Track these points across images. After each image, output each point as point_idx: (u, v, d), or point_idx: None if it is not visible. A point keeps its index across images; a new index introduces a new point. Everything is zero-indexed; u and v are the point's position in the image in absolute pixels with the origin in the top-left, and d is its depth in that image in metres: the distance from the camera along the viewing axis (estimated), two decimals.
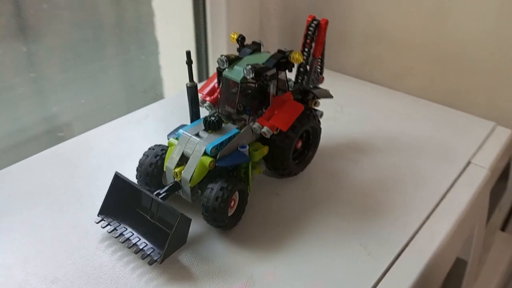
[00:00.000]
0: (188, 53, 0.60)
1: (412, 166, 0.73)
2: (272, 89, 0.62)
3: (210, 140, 0.59)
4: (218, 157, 0.58)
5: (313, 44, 0.71)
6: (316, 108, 0.72)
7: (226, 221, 0.58)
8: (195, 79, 0.63)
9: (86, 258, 0.56)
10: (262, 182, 0.69)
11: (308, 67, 0.72)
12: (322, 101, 0.75)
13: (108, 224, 0.58)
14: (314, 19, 0.70)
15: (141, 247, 0.54)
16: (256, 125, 0.61)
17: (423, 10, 0.96)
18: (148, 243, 0.55)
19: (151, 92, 1.19)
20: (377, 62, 1.08)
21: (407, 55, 1.02)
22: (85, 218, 0.61)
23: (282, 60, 0.62)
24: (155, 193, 0.58)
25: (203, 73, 1.18)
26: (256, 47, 0.66)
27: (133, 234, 0.56)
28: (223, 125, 0.62)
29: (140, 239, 0.55)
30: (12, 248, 0.57)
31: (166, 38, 1.13)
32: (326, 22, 0.70)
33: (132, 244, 0.55)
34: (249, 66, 0.59)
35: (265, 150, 0.64)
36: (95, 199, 0.64)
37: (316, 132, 0.70)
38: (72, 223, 0.61)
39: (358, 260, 0.57)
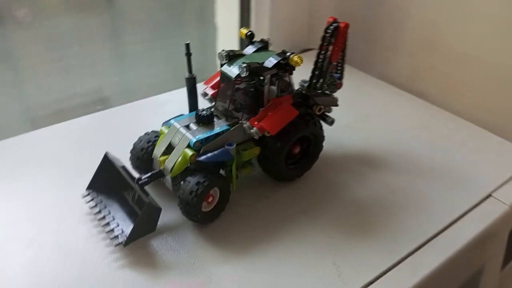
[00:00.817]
0: (187, 45, 0.60)
1: (421, 191, 0.68)
2: (267, 90, 0.61)
3: (196, 134, 0.59)
4: (201, 151, 0.58)
5: (330, 48, 0.67)
6: (327, 114, 0.69)
7: (199, 216, 0.58)
8: None
9: (65, 230, 0.59)
10: (254, 182, 0.67)
11: (323, 71, 0.69)
12: (346, 107, 0.73)
13: (92, 200, 0.60)
14: (334, 21, 0.66)
15: (112, 227, 0.56)
16: (246, 124, 0.60)
17: (489, 23, 0.86)
18: (120, 224, 0.57)
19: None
20: (427, 74, 1.00)
21: (462, 70, 0.93)
22: (79, 192, 0.63)
23: (282, 62, 0.60)
24: (137, 177, 0.59)
25: None
26: (263, 45, 0.64)
27: (109, 213, 0.58)
28: (216, 120, 0.61)
29: (114, 220, 0.57)
30: None
31: (225, 25, 1.14)
32: (346, 26, 0.66)
33: (105, 223, 0.57)
34: (244, 64, 0.57)
35: (256, 150, 0.62)
36: None
37: (317, 139, 0.67)
38: (65, 195, 0.64)
39: (326, 280, 0.54)
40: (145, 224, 0.55)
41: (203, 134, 0.59)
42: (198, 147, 0.58)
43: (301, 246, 0.58)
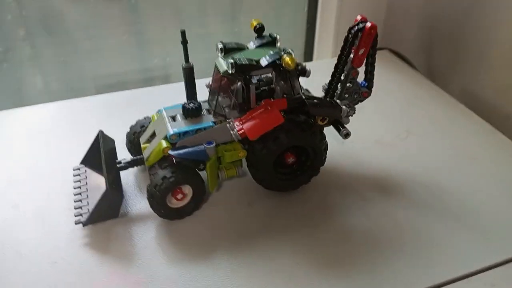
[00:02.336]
0: (183, 33, 0.57)
1: (434, 236, 0.56)
2: (253, 90, 0.55)
3: (176, 126, 0.56)
4: (177, 145, 0.56)
5: (353, 51, 0.59)
6: (342, 125, 0.62)
7: (162, 211, 0.56)
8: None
9: (45, 199, 0.61)
10: (243, 187, 0.63)
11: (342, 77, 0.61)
12: (386, 120, 0.64)
13: (78, 175, 0.62)
14: (361, 21, 0.58)
15: (80, 205, 0.57)
16: (230, 125, 0.55)
17: None
18: (89, 203, 0.57)
19: None
20: None
21: None
22: (74, 165, 0.65)
23: (278, 61, 0.54)
24: (117, 161, 0.59)
25: (310, 54, 1.10)
26: (268, 40, 0.58)
27: (86, 191, 0.59)
28: (205, 115, 0.58)
29: (87, 198, 0.58)
30: None
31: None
32: (373, 28, 0.57)
33: (77, 199, 0.58)
34: (231, 60, 0.53)
35: (240, 153, 0.58)
36: None
37: (316, 153, 0.59)
38: (66, 165, 0.66)
39: None
40: (104, 209, 0.55)
41: (182, 128, 0.56)
42: (175, 140, 0.56)
43: (262, 266, 0.53)
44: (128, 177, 0.64)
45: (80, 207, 0.57)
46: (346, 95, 0.62)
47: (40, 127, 0.77)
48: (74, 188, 0.60)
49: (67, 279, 0.51)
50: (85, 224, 0.55)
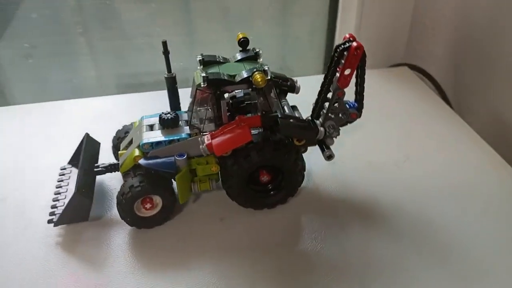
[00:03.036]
0: (164, 43, 0.57)
1: (412, 271, 0.53)
2: (224, 106, 0.54)
3: (151, 136, 0.57)
4: (149, 155, 0.56)
5: (338, 71, 0.57)
6: (326, 146, 0.59)
7: (128, 219, 0.56)
8: None
9: (33, 194, 0.64)
10: (218, 200, 0.62)
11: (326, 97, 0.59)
12: (385, 142, 0.68)
13: (63, 174, 0.64)
14: (349, 39, 0.55)
15: (57, 205, 0.58)
16: (201, 138, 0.55)
17: None
18: (65, 204, 0.58)
19: (286, 70, 1.16)
20: None
21: None
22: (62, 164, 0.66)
23: (251, 79, 0.52)
24: (96, 165, 0.61)
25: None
26: (250, 55, 0.57)
27: (66, 191, 0.61)
28: (183, 126, 0.58)
29: (65, 198, 0.60)
30: None
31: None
32: (359, 48, 0.54)
33: (55, 199, 0.60)
34: (203, 74, 0.52)
35: (213, 167, 0.57)
36: None
37: (291, 174, 0.58)
38: (56, 163, 0.68)
39: None
40: (74, 212, 0.56)
41: (156, 138, 0.56)
42: (147, 149, 0.56)
43: (217, 286, 0.52)
44: (111, 181, 0.66)
45: (56, 207, 0.58)
46: (332, 116, 0.60)
47: (64, 121, 0.81)
48: (56, 187, 0.62)
49: (27, 275, 0.52)
50: (55, 224, 0.56)
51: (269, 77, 0.53)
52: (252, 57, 0.57)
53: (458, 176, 0.67)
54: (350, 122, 0.62)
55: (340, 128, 0.62)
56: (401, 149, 0.72)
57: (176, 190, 0.57)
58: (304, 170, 0.59)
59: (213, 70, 0.55)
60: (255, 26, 1.06)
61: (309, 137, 0.56)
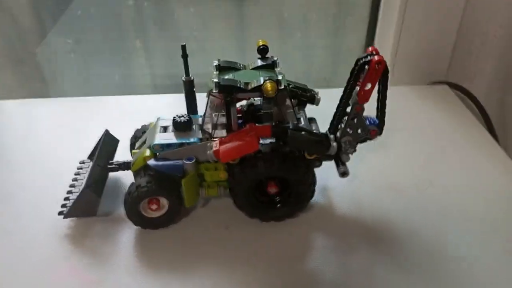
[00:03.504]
0: (183, 47, 0.57)
1: None
2: (234, 112, 0.53)
3: (162, 137, 0.57)
4: (159, 156, 0.56)
5: (358, 85, 0.55)
6: (342, 161, 0.57)
7: (134, 219, 0.57)
8: None
9: (46, 183, 0.66)
10: (226, 208, 0.61)
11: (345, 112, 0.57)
12: (409, 165, 0.66)
13: (81, 168, 0.65)
14: (371, 53, 0.53)
15: (69, 197, 0.60)
16: (210, 144, 0.54)
17: None
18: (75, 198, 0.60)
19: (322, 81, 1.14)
20: None
21: None
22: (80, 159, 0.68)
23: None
24: (110, 162, 0.62)
25: None
26: (267, 63, 0.56)
27: (80, 185, 0.62)
28: (196, 130, 0.58)
29: (78, 192, 0.61)
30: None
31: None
32: (379, 62, 0.52)
33: (69, 191, 0.61)
34: (216, 79, 0.52)
35: (221, 174, 0.56)
36: None
37: (299, 189, 0.56)
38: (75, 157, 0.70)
39: None
40: (82, 207, 0.57)
41: (167, 140, 0.56)
42: (157, 150, 0.56)
43: None
44: (126, 178, 0.66)
45: (68, 199, 0.60)
46: (350, 131, 0.58)
47: (97, 116, 0.84)
48: (72, 181, 0.63)
49: (31, 263, 0.54)
50: (64, 216, 0.58)
51: (282, 87, 0.52)
52: (269, 66, 0.56)
53: (482, 210, 0.62)
54: (370, 139, 0.59)
55: (360, 144, 0.59)
56: (426, 174, 0.68)
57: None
58: (314, 186, 0.57)
59: (228, 76, 0.54)
60: (306, 37, 1.04)
61: (318, 152, 0.54)
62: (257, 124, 0.54)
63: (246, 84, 0.53)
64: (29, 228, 0.59)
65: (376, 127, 0.58)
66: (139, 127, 0.66)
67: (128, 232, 0.58)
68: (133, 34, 1.03)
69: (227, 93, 0.52)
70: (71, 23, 1.04)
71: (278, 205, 0.58)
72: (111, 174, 0.65)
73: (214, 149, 0.53)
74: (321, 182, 0.65)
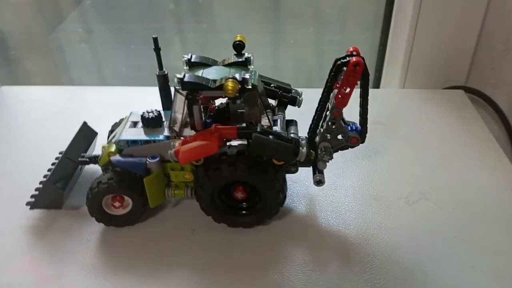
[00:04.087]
0: (155, 40, 0.54)
1: None
2: (197, 111, 0.50)
3: (129, 133, 0.55)
4: (123, 152, 0.54)
5: (334, 88, 0.50)
6: (319, 170, 0.53)
7: (95, 215, 0.55)
8: None
9: (27, 172, 0.65)
10: (198, 210, 0.58)
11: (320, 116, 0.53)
12: (403, 174, 0.62)
13: (57, 159, 0.64)
14: (349, 53, 0.49)
15: (40, 187, 0.59)
16: (174, 143, 0.52)
17: None
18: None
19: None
20: None
21: None
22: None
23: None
24: (82, 155, 0.60)
25: (377, 81, 0.98)
26: (240, 60, 0.53)
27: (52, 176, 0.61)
28: (166, 127, 0.55)
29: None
30: None
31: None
32: (357, 64, 0.47)
33: (41, 182, 0.60)
34: (179, 76, 0.49)
35: (187, 175, 0.54)
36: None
37: (267, 196, 0.52)
38: (59, 147, 0.66)
39: None
40: (47, 199, 0.56)
41: (132, 136, 0.54)
42: (123, 146, 0.54)
43: None
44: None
45: (37, 189, 0.59)
46: (329, 136, 0.53)
47: (98, 106, 0.83)
48: (47, 171, 0.62)
49: None
50: (30, 207, 0.57)
51: (249, 86, 0.48)
52: (242, 63, 0.53)
53: (477, 233, 0.55)
54: (352, 146, 0.55)
55: (348, 150, 0.55)
56: (419, 185, 0.62)
57: None
58: (283, 193, 0.53)
59: (197, 72, 0.51)
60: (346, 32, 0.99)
61: (284, 159, 0.50)
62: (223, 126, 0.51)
63: (214, 81, 0.50)
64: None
65: (358, 134, 0.54)
66: (118, 120, 0.64)
67: (92, 228, 0.57)
68: (170, 25, 1.01)
69: (189, 90, 0.49)
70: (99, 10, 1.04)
71: (244, 212, 0.54)
72: (91, 168, 0.63)
73: (174, 149, 0.50)
74: (302, 190, 0.62)
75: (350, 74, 0.48)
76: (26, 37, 1.08)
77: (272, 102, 0.59)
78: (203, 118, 0.52)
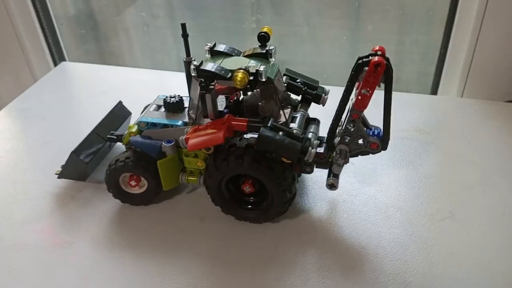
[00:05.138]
0: (183, 26, 0.55)
1: None
2: (209, 100, 0.49)
3: (151, 115, 0.56)
4: (143, 134, 0.55)
5: (355, 89, 0.48)
6: (335, 174, 0.51)
7: (110, 190, 0.57)
8: None
9: (66, 143, 0.67)
10: (207, 199, 0.57)
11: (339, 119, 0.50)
12: (434, 188, 0.58)
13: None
14: (374, 53, 0.46)
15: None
16: (186, 129, 0.52)
17: None
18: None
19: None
20: None
21: None
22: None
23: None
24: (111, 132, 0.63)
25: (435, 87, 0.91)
26: (262, 52, 0.51)
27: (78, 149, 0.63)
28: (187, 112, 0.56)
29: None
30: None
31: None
32: (378, 64, 0.44)
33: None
34: (196, 63, 0.49)
35: (199, 163, 0.54)
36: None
37: (273, 194, 0.51)
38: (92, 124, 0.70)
39: None
40: (71, 170, 0.59)
41: (153, 119, 0.55)
42: (143, 128, 0.56)
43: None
44: None
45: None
46: (347, 139, 0.51)
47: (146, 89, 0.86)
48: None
49: (13, 213, 0.58)
50: (58, 177, 0.61)
51: (263, 79, 0.47)
52: (262, 54, 0.51)
53: (500, 261, 0.50)
54: (373, 153, 0.52)
55: (362, 155, 0.52)
56: (450, 202, 0.57)
57: None
58: (290, 193, 0.51)
59: (217, 61, 0.51)
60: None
61: (289, 157, 0.48)
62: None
63: (229, 72, 0.49)
64: (30, 180, 0.63)
65: (379, 140, 0.50)
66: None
67: (110, 204, 0.59)
68: (248, 15, 1.02)
69: (204, 78, 0.49)
70: None
71: (249, 206, 0.53)
72: (122, 146, 0.66)
73: (185, 136, 0.51)
74: (321, 192, 0.60)
75: (371, 75, 0.45)
76: (98, 18, 1.14)
77: (298, 98, 0.57)
78: (217, 107, 0.51)
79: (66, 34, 1.09)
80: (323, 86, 0.57)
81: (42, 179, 0.63)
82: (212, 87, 0.49)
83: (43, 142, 0.71)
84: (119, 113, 0.66)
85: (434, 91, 0.92)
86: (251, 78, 0.47)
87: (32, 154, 0.69)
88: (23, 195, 0.61)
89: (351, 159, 0.62)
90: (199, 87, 0.50)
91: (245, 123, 0.49)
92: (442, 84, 0.88)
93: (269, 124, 0.48)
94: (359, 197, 0.59)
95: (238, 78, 0.45)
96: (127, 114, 0.68)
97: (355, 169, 0.63)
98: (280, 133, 0.48)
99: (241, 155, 0.49)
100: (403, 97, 0.80)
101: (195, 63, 0.49)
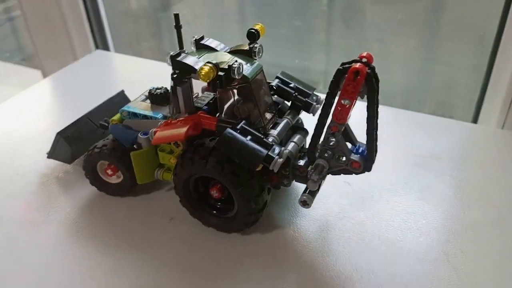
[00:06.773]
0: (176, 16, 0.52)
1: None
2: (180, 94, 0.46)
3: (133, 106, 0.55)
4: (123, 123, 0.54)
5: (335, 99, 0.43)
6: (309, 190, 0.46)
7: (88, 176, 0.56)
8: None
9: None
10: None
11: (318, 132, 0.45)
12: (436, 219, 0.53)
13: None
14: (358, 59, 0.41)
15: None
16: (161, 123, 0.50)
17: None
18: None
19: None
20: None
21: None
22: None
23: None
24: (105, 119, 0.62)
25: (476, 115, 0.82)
26: (244, 49, 0.48)
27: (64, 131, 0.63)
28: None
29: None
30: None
31: None
32: (358, 72, 0.39)
33: None
34: (171, 53, 0.46)
35: (172, 159, 0.51)
36: None
37: (239, 203, 0.47)
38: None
39: None
40: (57, 151, 0.59)
41: (136, 109, 0.54)
42: (125, 117, 0.54)
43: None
44: None
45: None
46: (326, 154, 0.45)
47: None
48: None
49: (3, 186, 0.60)
50: (48, 157, 0.61)
51: (237, 76, 0.44)
52: (245, 52, 0.48)
53: None
54: (356, 173, 0.46)
55: (344, 174, 0.47)
56: (447, 243, 0.49)
57: None
58: (257, 204, 0.47)
59: (200, 55, 0.48)
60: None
61: (248, 164, 0.44)
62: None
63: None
64: (23, 156, 0.65)
65: (362, 159, 0.45)
66: None
67: (89, 190, 0.58)
68: (320, 26, 1.00)
69: (178, 70, 0.46)
70: None
71: (214, 212, 0.50)
72: None
73: (155, 129, 0.48)
74: (303, 208, 0.54)
75: (350, 83, 0.40)
76: (143, 13, 1.17)
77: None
78: (191, 102, 0.49)
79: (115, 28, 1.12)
80: (317, 94, 0.52)
81: (38, 156, 0.64)
82: (185, 80, 0.47)
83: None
84: (119, 101, 0.65)
85: (474, 120, 0.82)
86: (222, 74, 0.43)
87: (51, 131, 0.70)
88: (15, 169, 0.62)
89: (349, 179, 0.57)
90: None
91: (214, 122, 0.46)
92: (483, 113, 0.79)
93: (238, 126, 0.45)
94: (344, 221, 0.53)
95: (203, 72, 0.42)
96: (127, 102, 0.67)
97: (350, 190, 0.57)
98: (249, 137, 0.44)
99: (206, 156, 0.46)
100: (433, 120, 0.72)
101: (171, 53, 0.47)
